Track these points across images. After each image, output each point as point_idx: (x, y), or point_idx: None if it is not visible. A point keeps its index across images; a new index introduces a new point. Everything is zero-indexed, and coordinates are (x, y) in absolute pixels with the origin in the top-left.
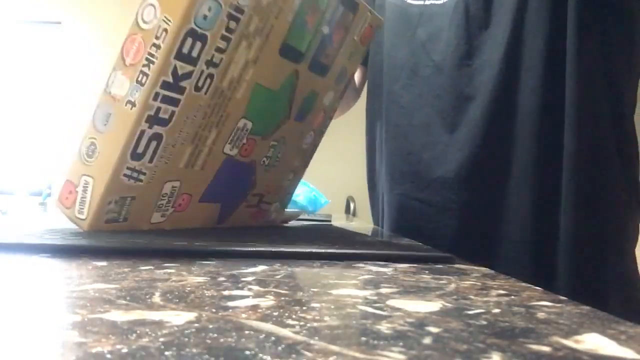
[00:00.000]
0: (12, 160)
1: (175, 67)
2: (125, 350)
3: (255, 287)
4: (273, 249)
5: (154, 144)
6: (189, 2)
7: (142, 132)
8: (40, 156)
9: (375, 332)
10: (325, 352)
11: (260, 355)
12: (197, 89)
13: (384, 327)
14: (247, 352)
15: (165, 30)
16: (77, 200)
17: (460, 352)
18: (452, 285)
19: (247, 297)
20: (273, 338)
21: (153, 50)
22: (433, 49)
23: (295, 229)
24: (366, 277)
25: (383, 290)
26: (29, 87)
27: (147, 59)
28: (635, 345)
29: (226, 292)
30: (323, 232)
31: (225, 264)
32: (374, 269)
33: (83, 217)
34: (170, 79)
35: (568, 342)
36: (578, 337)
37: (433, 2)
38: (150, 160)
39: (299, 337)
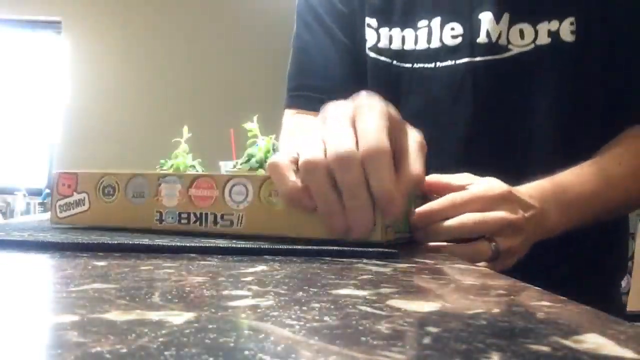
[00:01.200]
0: (12, 160)
1: None
2: (124, 350)
3: (255, 287)
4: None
5: None
6: None
7: None
8: (40, 156)
9: (374, 332)
10: (325, 352)
11: (260, 355)
12: None
13: (384, 327)
14: (247, 352)
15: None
16: (64, 202)
17: (460, 352)
18: (452, 285)
19: (247, 297)
20: (272, 338)
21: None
22: (429, 120)
23: None
24: (366, 277)
25: (383, 290)
26: (29, 87)
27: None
28: (635, 345)
29: (226, 292)
30: None
31: (225, 264)
32: (374, 269)
33: (60, 215)
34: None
35: (568, 342)
36: (578, 337)
37: (423, 65)
38: None
39: (299, 337)
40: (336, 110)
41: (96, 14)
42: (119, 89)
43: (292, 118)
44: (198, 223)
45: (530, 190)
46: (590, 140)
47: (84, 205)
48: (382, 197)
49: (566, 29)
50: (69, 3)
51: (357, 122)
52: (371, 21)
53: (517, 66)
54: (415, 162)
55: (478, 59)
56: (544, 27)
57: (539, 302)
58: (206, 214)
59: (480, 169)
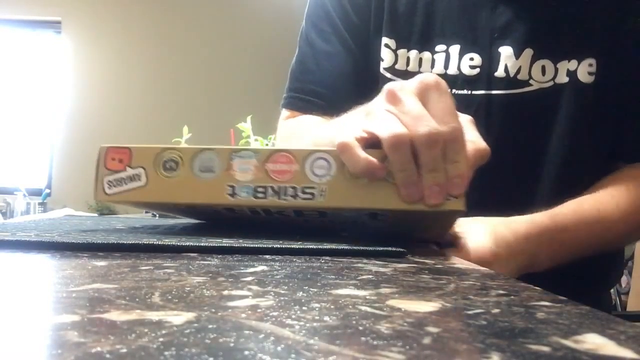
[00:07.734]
0: (12, 160)
1: None
2: (124, 350)
3: (255, 287)
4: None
5: None
6: None
7: None
8: (40, 156)
9: (374, 332)
10: (325, 352)
11: (260, 355)
12: None
13: (384, 327)
14: (247, 352)
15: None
16: (114, 177)
17: (460, 352)
18: (452, 285)
19: (247, 297)
20: (272, 338)
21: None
22: None
23: None
24: (366, 277)
25: (383, 290)
26: (29, 87)
27: (292, 187)
28: (635, 346)
29: (226, 292)
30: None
31: (225, 264)
32: (374, 269)
33: (109, 191)
34: None
35: (567, 342)
36: (577, 337)
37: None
38: None
39: (299, 337)
40: (404, 87)
41: (96, 13)
42: (119, 88)
43: (288, 122)
44: (276, 197)
45: (530, 228)
46: (594, 176)
47: (139, 180)
48: (456, 177)
49: (584, 70)
50: (69, 3)
51: (431, 101)
52: (389, 42)
53: (533, 102)
54: (480, 139)
55: (494, 92)
56: (563, 66)
57: (539, 302)
58: (285, 187)
59: (485, 198)
